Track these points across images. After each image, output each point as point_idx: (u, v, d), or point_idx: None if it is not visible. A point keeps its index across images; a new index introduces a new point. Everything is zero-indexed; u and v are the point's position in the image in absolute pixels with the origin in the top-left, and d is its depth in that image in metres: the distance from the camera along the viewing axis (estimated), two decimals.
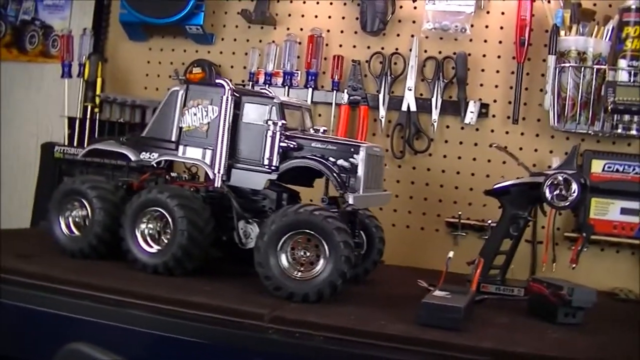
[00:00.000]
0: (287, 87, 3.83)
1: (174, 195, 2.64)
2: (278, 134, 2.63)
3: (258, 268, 2.47)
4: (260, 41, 3.96)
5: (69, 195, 2.87)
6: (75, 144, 3.91)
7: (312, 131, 2.88)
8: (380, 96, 3.70)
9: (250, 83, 3.88)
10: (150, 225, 2.73)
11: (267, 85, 3.82)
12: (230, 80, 2.79)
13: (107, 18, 4.25)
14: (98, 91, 3.91)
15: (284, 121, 2.65)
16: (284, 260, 2.47)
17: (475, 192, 3.46)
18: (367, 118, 3.70)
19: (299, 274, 2.46)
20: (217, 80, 2.75)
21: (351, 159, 2.60)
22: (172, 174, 3.02)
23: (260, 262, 2.46)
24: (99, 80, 3.93)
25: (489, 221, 3.32)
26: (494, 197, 3.06)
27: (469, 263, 2.85)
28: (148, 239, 2.72)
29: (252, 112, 2.73)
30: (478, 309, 2.56)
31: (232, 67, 4.02)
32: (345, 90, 3.73)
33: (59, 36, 4.11)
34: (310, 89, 3.79)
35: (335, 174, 2.57)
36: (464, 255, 2.96)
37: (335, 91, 3.76)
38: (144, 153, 2.89)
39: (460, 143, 3.59)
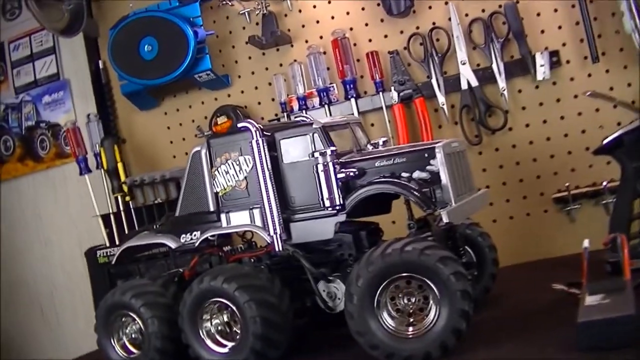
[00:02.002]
0: (326, 106, 3.33)
1: (230, 277, 2.13)
2: (330, 164, 2.10)
3: (358, 338, 1.93)
4: (281, 65, 3.50)
5: (113, 312, 2.40)
6: (117, 241, 3.45)
7: (370, 148, 2.35)
8: (433, 81, 3.18)
9: (285, 114, 3.38)
10: (217, 320, 2.23)
11: (303, 111, 3.32)
12: (262, 118, 2.28)
13: (110, 96, 3.83)
14: (122, 177, 3.46)
15: (333, 147, 2.12)
16: (387, 318, 1.93)
17: (575, 154, 3.04)
18: (426, 111, 3.18)
19: (411, 328, 1.91)
20: (239, 125, 2.23)
21: (428, 167, 2.07)
22: (225, 248, 2.50)
23: (358, 332, 1.92)
24: (119, 166, 3.48)
25: (604, 183, 2.83)
26: (605, 154, 2.52)
27: (606, 244, 2.25)
28: (218, 336, 2.22)
29: (292, 148, 2.22)
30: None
31: (259, 103, 3.56)
32: (392, 88, 3.23)
33: (65, 132, 3.66)
34: (353, 99, 3.29)
35: (414, 191, 2.02)
36: (586, 231, 2.56)
37: (381, 92, 3.26)
38: (184, 235, 2.41)
39: (540, 104, 3.11)
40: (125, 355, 2.41)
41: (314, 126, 2.19)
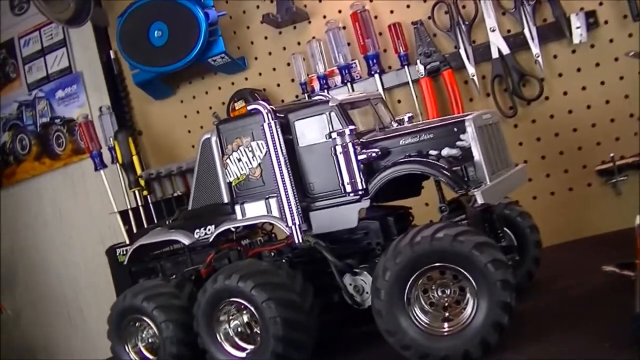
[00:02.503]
0: (348, 84, 3.12)
1: (246, 275, 1.94)
2: (350, 145, 1.90)
3: (388, 337, 1.73)
4: (299, 43, 3.30)
5: (125, 316, 2.24)
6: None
7: (394, 125, 2.14)
8: (462, 51, 2.97)
9: (306, 95, 3.17)
10: (236, 322, 2.05)
11: (325, 91, 3.12)
12: (282, 101, 2.09)
13: (124, 87, 3.66)
14: (138, 171, 3.28)
15: (352, 126, 1.92)
16: (419, 314, 1.72)
17: (619, 122, 2.81)
18: (455, 83, 2.97)
19: (447, 324, 1.71)
20: (248, 107, 2.04)
21: (459, 142, 1.86)
22: (244, 242, 2.32)
23: (388, 330, 1.72)
24: (135, 159, 3.30)
25: None
26: None
27: None
28: (237, 339, 2.03)
29: (308, 130, 2.03)
30: None
31: (278, 85, 3.36)
32: (418, 61, 3.01)
33: (78, 127, 3.49)
34: (377, 75, 3.08)
35: (445, 171, 1.81)
36: (634, 204, 2.34)
37: (406, 66, 3.05)
38: (197, 230, 2.24)
39: (578, 70, 2.89)
40: None
41: (330, 104, 1.99)
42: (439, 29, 3.01)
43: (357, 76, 3.13)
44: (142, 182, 3.30)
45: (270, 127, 2.00)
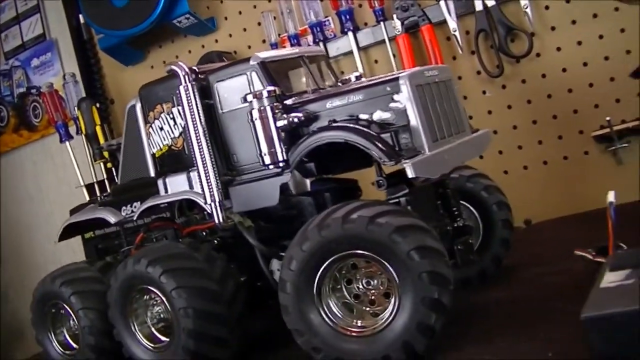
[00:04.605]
0: (321, 43, 2.90)
1: (155, 260, 1.70)
2: (268, 109, 1.63)
3: (297, 338, 1.48)
4: (270, 0, 3.02)
5: (46, 303, 2.07)
6: None
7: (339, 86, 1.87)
8: (442, 4, 2.73)
9: None
10: (158, 308, 1.80)
11: None
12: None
13: (94, 54, 3.45)
14: (102, 141, 3.05)
15: (270, 87, 1.65)
16: (334, 309, 1.46)
17: (619, 81, 2.55)
18: (435, 40, 2.73)
19: (366, 323, 1.47)
20: (165, 69, 1.79)
21: (392, 104, 1.57)
22: (179, 220, 2.07)
23: (296, 330, 1.46)
24: (98, 129, 3.07)
25: None
26: None
27: None
28: (153, 329, 1.81)
29: (230, 94, 1.76)
30: None
31: (249, 47, 3.15)
32: (394, 15, 2.76)
33: (41, 96, 3.29)
34: (351, 33, 2.85)
35: (373, 139, 1.53)
36: (637, 172, 2.21)
37: (382, 22, 2.80)
38: (124, 207, 2.00)
39: (573, 23, 2.63)
40: (62, 350, 2.07)
41: (251, 62, 1.72)
42: None
43: (330, 34, 2.89)
44: (105, 154, 3.08)
45: (187, 90, 1.74)
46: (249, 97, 1.65)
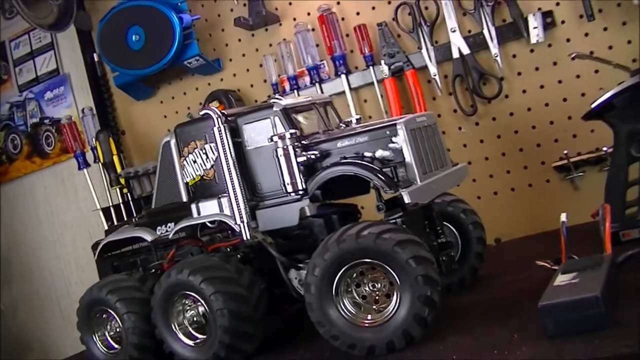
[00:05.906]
0: (317, 84, 3.23)
1: (196, 270, 2.06)
2: (290, 147, 2.02)
3: (319, 328, 1.86)
4: (271, 45, 3.41)
5: (92, 309, 2.38)
6: None
7: (343, 127, 2.25)
8: (424, 52, 3.05)
9: (277, 95, 3.28)
10: (192, 312, 2.17)
11: (295, 91, 3.23)
12: (256, 101, 2.20)
13: (107, 89, 3.80)
14: (118, 170, 3.41)
15: (292, 130, 2.03)
16: (348, 306, 1.85)
17: (576, 119, 2.81)
18: (417, 83, 3.06)
19: (373, 317, 1.85)
20: (200, 113, 2.16)
21: (391, 144, 1.96)
22: (205, 239, 2.44)
23: (318, 322, 1.85)
24: (115, 159, 3.43)
25: (605, 148, 2.67)
26: (596, 119, 2.39)
27: (594, 216, 2.10)
28: (190, 329, 2.17)
29: (255, 134, 2.14)
30: (627, 276, 1.85)
31: (251, 86, 3.48)
32: (382, 61, 3.09)
33: (62, 127, 3.63)
34: (344, 76, 3.17)
35: (376, 172, 1.92)
36: (591, 199, 2.39)
37: (371, 67, 3.14)
38: (159, 227, 2.36)
39: (537, 69, 2.96)
40: (106, 350, 2.38)
41: (274, 109, 2.10)
42: (403, 30, 3.09)
43: (325, 76, 3.22)
44: (122, 181, 3.43)
45: (220, 131, 2.11)
46: (275, 138, 2.03)
